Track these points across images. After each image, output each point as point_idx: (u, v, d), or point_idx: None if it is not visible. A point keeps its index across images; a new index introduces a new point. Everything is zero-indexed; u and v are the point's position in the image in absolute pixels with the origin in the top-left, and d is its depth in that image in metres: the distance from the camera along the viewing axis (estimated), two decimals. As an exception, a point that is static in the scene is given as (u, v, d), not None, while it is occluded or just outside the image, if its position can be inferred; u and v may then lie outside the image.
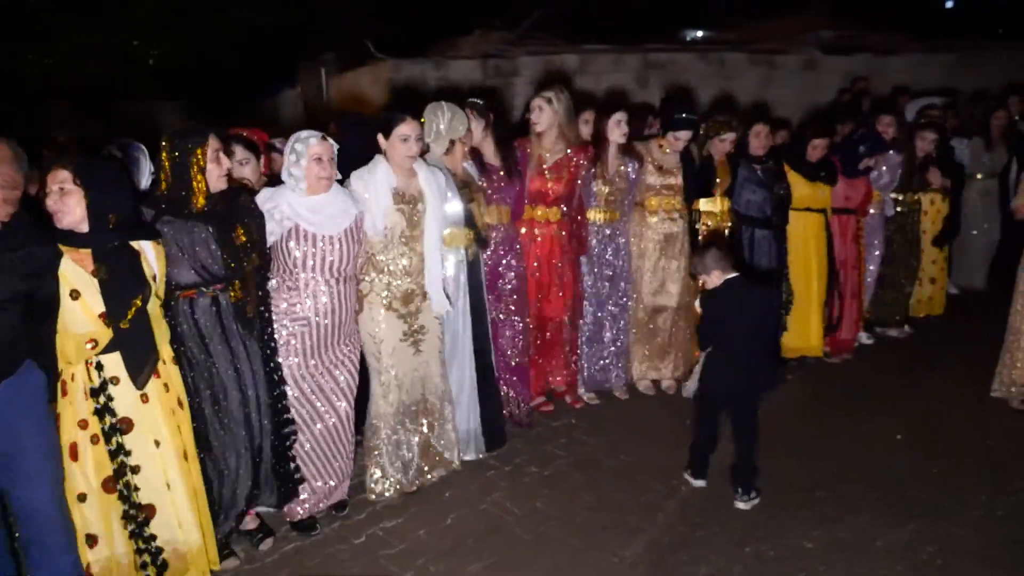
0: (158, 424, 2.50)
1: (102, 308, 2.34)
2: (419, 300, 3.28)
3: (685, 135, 4.13)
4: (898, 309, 5.26)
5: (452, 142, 3.44)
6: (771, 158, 4.49)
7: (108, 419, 2.41)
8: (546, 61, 8.20)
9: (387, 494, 3.32)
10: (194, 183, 2.60)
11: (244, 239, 2.71)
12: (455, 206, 3.41)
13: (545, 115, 3.81)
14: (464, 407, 3.62)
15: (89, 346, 2.36)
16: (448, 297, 3.36)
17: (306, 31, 12.72)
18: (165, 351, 2.56)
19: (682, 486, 3.44)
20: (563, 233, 3.97)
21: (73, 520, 2.44)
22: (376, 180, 3.12)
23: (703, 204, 4.38)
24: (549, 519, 3.21)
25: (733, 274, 3.22)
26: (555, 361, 4.13)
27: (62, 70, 15.47)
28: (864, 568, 2.89)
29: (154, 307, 2.49)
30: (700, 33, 10.62)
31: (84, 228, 2.38)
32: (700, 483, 3.42)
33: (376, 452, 3.32)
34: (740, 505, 3.29)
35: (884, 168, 4.89)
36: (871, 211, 4.95)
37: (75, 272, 2.34)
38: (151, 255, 2.48)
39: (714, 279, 3.23)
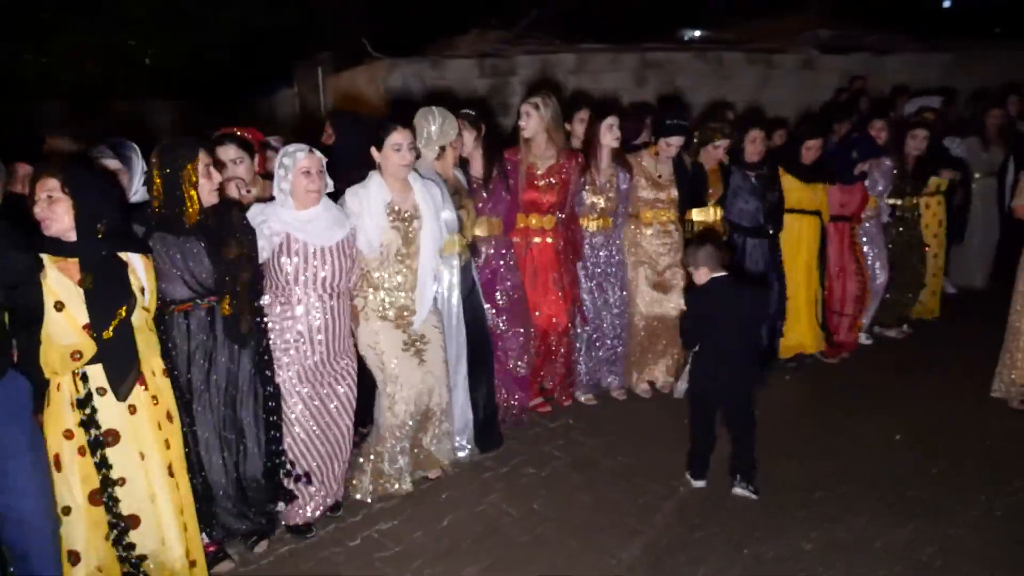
0: (144, 436, 2.46)
1: (86, 319, 2.32)
2: (412, 316, 3.25)
3: (677, 141, 4.11)
4: (899, 311, 5.23)
5: (443, 148, 3.42)
6: (765, 163, 4.45)
7: (93, 431, 2.38)
8: (543, 60, 8.16)
9: (371, 496, 3.30)
10: (186, 198, 2.58)
11: (236, 253, 2.69)
12: (448, 213, 3.38)
13: (533, 121, 3.80)
14: (459, 408, 3.60)
15: (74, 358, 2.33)
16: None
17: (303, 31, 12.69)
18: (155, 364, 2.54)
19: (680, 487, 3.42)
20: (559, 241, 3.96)
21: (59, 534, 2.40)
22: (370, 196, 3.09)
23: (696, 214, 4.35)
24: (546, 520, 3.19)
25: (721, 273, 3.22)
26: (552, 365, 4.10)
27: (59, 69, 15.45)
28: (863, 569, 2.87)
29: (140, 320, 2.45)
30: (698, 33, 10.59)
31: (72, 237, 2.35)
32: (700, 484, 3.41)
33: (377, 459, 3.30)
34: (738, 491, 3.31)
35: (877, 175, 4.87)
36: (869, 217, 4.92)
37: (60, 282, 2.31)
38: (140, 268, 2.45)
39: (701, 275, 3.25)
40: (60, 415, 2.37)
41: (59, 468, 2.39)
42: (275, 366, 2.92)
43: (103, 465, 2.39)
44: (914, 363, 4.83)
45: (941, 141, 5.32)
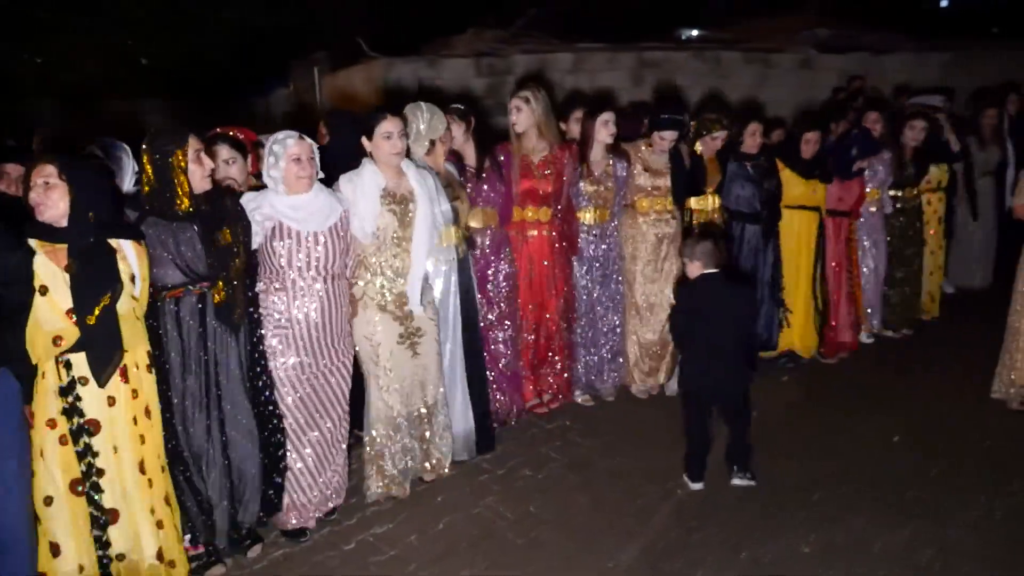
0: (119, 430, 2.45)
1: (70, 305, 2.32)
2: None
3: (670, 135, 4.10)
4: (909, 309, 5.20)
5: (432, 142, 3.41)
6: (763, 156, 4.46)
7: (76, 419, 2.37)
8: (540, 60, 8.15)
9: (380, 496, 3.26)
10: (177, 185, 2.57)
11: (230, 239, 2.68)
12: (444, 205, 3.37)
13: (523, 115, 3.78)
14: (457, 408, 3.57)
15: (56, 343, 2.33)
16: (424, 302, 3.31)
17: (299, 30, 12.66)
18: (140, 356, 2.51)
19: (678, 488, 3.39)
20: (554, 234, 3.94)
21: (36, 530, 2.39)
22: (364, 182, 3.09)
23: (694, 203, 4.34)
24: (543, 523, 3.16)
25: (713, 270, 3.22)
26: (548, 363, 4.07)
27: (57, 69, 15.42)
28: (862, 571, 2.84)
29: (127, 308, 2.44)
30: (696, 32, 10.57)
31: (63, 223, 2.36)
32: (698, 486, 3.38)
33: (376, 458, 3.26)
34: (737, 481, 3.32)
35: (878, 164, 4.85)
36: (871, 210, 4.91)
37: (46, 267, 2.32)
38: (131, 255, 2.44)
39: (693, 269, 3.26)
40: (45, 404, 2.37)
41: (42, 458, 2.38)
42: (269, 355, 2.90)
43: (87, 453, 2.38)
44: (913, 363, 4.80)
45: (940, 135, 5.29)
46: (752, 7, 11.27)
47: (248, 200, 2.88)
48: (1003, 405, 4.11)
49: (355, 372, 3.22)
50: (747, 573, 2.85)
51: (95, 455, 2.39)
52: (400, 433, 3.27)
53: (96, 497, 2.41)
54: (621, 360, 4.32)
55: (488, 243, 3.76)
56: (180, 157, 2.56)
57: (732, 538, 3.04)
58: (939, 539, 3.01)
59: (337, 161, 3.19)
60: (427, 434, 3.38)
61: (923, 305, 5.38)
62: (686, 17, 11.13)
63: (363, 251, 3.14)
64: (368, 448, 3.29)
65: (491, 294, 3.78)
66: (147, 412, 2.53)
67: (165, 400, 2.63)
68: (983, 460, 3.61)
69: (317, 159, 2.96)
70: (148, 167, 2.59)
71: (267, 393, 2.88)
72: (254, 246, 2.86)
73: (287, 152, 2.85)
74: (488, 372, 3.78)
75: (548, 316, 3.97)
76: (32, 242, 2.33)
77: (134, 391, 2.48)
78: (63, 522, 2.40)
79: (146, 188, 2.61)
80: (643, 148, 4.21)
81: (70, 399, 2.36)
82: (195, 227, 2.61)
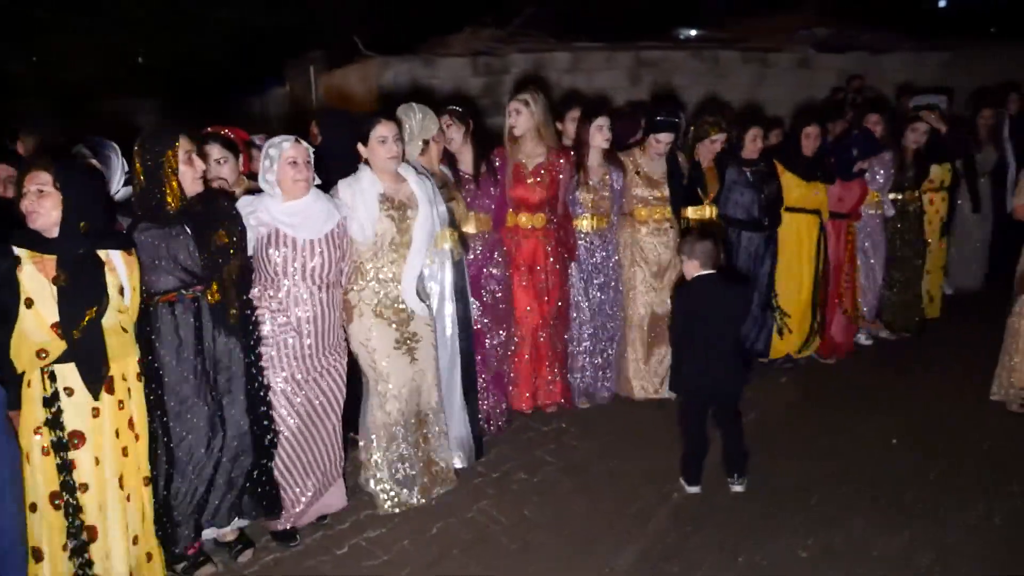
0: (102, 442, 2.41)
1: (55, 318, 2.28)
2: (409, 308, 3.19)
3: (666, 137, 4.05)
4: (909, 311, 5.16)
5: (426, 142, 3.37)
6: (763, 160, 4.41)
7: (57, 432, 2.33)
8: (537, 59, 8.10)
9: (392, 510, 3.21)
10: (167, 187, 2.53)
11: (225, 241, 2.64)
12: (440, 207, 3.33)
13: (523, 118, 3.74)
14: (455, 414, 3.53)
15: (39, 356, 2.29)
16: (424, 300, 3.27)
17: (297, 30, 12.63)
18: (129, 367, 2.48)
19: (674, 492, 3.36)
20: (549, 240, 3.90)
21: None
22: (363, 188, 3.05)
23: (691, 212, 4.29)
24: (538, 528, 3.13)
25: (709, 271, 3.20)
26: (543, 370, 4.03)
27: (55, 68, 15.39)
28: (861, 575, 2.81)
29: (113, 320, 2.39)
30: (694, 32, 10.53)
31: (54, 233, 2.32)
32: (695, 489, 3.35)
33: (375, 466, 3.22)
34: (737, 488, 3.31)
35: (878, 166, 4.82)
36: (870, 212, 4.88)
37: (33, 279, 2.27)
38: (120, 266, 2.40)
39: (691, 268, 3.24)
40: (31, 412, 2.34)
41: (29, 463, 2.35)
42: (263, 361, 2.86)
43: (64, 468, 2.34)
44: (912, 364, 4.78)
45: (940, 135, 5.27)
46: (750, 6, 11.24)
47: (244, 205, 2.84)
48: (1002, 406, 4.09)
49: (353, 376, 3.19)
50: (744, 578, 2.82)
51: (72, 471, 2.35)
52: (397, 441, 3.23)
53: (77, 515, 2.36)
54: (616, 368, 4.28)
55: (481, 248, 3.72)
56: (170, 158, 2.52)
57: (729, 542, 3.01)
58: (938, 542, 2.98)
59: (330, 161, 3.15)
60: (424, 441, 3.32)
61: (924, 306, 5.35)
62: (684, 17, 11.10)
63: (359, 256, 3.10)
64: (366, 458, 3.24)
65: (484, 298, 3.74)
66: (131, 424, 2.49)
67: (158, 404, 2.60)
68: (982, 462, 3.58)
69: (313, 163, 2.92)
70: (139, 168, 2.55)
71: (262, 392, 2.84)
72: (249, 252, 2.82)
73: (283, 155, 2.81)
74: (480, 377, 3.75)
75: (543, 322, 3.93)
76: (20, 252, 2.28)
77: (119, 402, 2.44)
78: (44, 531, 2.37)
79: (137, 189, 2.57)
80: (638, 156, 4.15)
81: (53, 410, 2.32)
82: (188, 229, 2.57)
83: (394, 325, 3.16)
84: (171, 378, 2.61)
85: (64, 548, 2.37)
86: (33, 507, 2.36)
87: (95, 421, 2.38)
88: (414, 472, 3.27)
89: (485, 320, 3.76)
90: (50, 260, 2.29)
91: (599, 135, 3.92)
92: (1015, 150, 5.89)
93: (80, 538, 2.37)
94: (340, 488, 3.20)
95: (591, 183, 3.99)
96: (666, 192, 4.13)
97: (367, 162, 3.11)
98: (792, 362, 4.72)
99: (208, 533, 2.87)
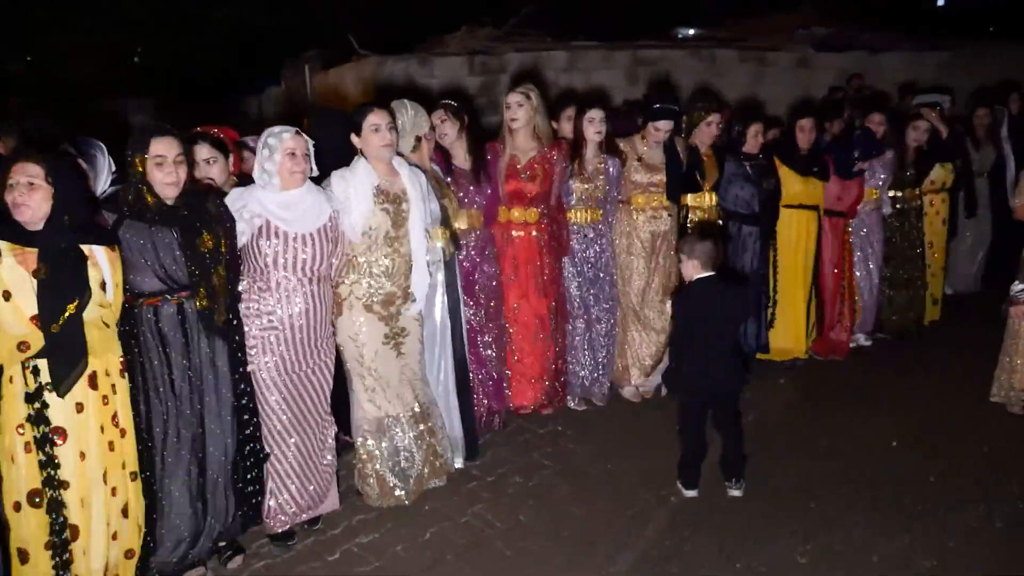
0: (87, 437, 2.38)
1: (34, 311, 2.25)
2: (400, 303, 3.17)
3: (665, 125, 4.01)
4: (910, 308, 5.13)
5: (418, 139, 3.34)
6: (762, 155, 4.40)
7: (41, 427, 2.30)
8: (534, 58, 8.08)
9: (380, 502, 3.19)
10: (144, 188, 2.51)
11: (211, 245, 2.60)
12: (432, 204, 3.31)
13: (524, 111, 3.72)
14: (449, 413, 3.50)
15: (21, 349, 2.26)
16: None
17: (295, 29, 12.60)
18: (112, 362, 2.44)
19: (671, 496, 3.32)
20: (542, 235, 3.86)
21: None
22: (358, 179, 3.02)
23: (690, 200, 4.27)
24: (533, 532, 3.08)
25: (709, 273, 3.18)
26: (540, 367, 3.98)
27: (48, 67, 15.37)
28: (860, 582, 2.78)
29: (95, 315, 2.36)
30: (692, 31, 10.51)
31: (37, 226, 2.30)
32: (692, 493, 3.32)
33: (368, 460, 3.19)
34: (735, 493, 3.27)
35: (877, 165, 4.79)
36: (869, 210, 4.85)
37: (13, 272, 2.25)
38: (103, 261, 2.37)
39: (690, 268, 3.21)
40: (14, 409, 2.30)
41: (12, 463, 2.32)
42: (250, 356, 2.83)
43: (49, 464, 2.31)
44: (912, 365, 4.75)
45: (941, 135, 5.23)
46: (749, 6, 11.23)
47: (235, 197, 2.80)
48: (1002, 408, 4.05)
49: (340, 376, 3.15)
50: (742, 584, 2.78)
51: (57, 467, 2.32)
52: (388, 434, 3.20)
53: (60, 512, 2.33)
54: (613, 364, 4.24)
55: (473, 244, 3.69)
56: (139, 163, 2.50)
57: (727, 546, 2.97)
58: (939, 545, 2.94)
59: (322, 160, 3.11)
60: (425, 433, 3.29)
61: (924, 307, 5.31)
62: (682, 16, 11.08)
63: (352, 250, 3.07)
64: (359, 451, 3.21)
65: (477, 296, 3.71)
66: (115, 419, 2.45)
67: (138, 406, 2.56)
68: (983, 464, 3.55)
69: (312, 156, 2.90)
70: (127, 167, 2.54)
71: (246, 398, 2.80)
72: (240, 244, 2.79)
73: (283, 146, 2.78)
74: (473, 375, 3.72)
75: (538, 320, 3.90)
76: (0, 244, 2.26)
77: (104, 397, 2.40)
78: (29, 531, 2.34)
79: (123, 190, 2.55)
80: (638, 143, 4.14)
81: (37, 405, 2.29)
82: (174, 232, 2.53)
83: (384, 320, 3.13)
84: (153, 382, 2.58)
85: (47, 547, 2.34)
86: (17, 506, 2.33)
87: (79, 417, 2.35)
88: (412, 463, 3.24)
89: (478, 318, 3.72)
90: (31, 253, 2.27)
91: (590, 127, 3.89)
92: (1014, 150, 5.85)
93: (62, 536, 2.34)
94: (333, 488, 3.15)
95: (586, 173, 3.95)
96: (664, 178, 4.10)
97: (362, 153, 3.07)
98: (791, 362, 4.68)
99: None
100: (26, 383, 2.29)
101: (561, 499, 3.32)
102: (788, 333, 4.62)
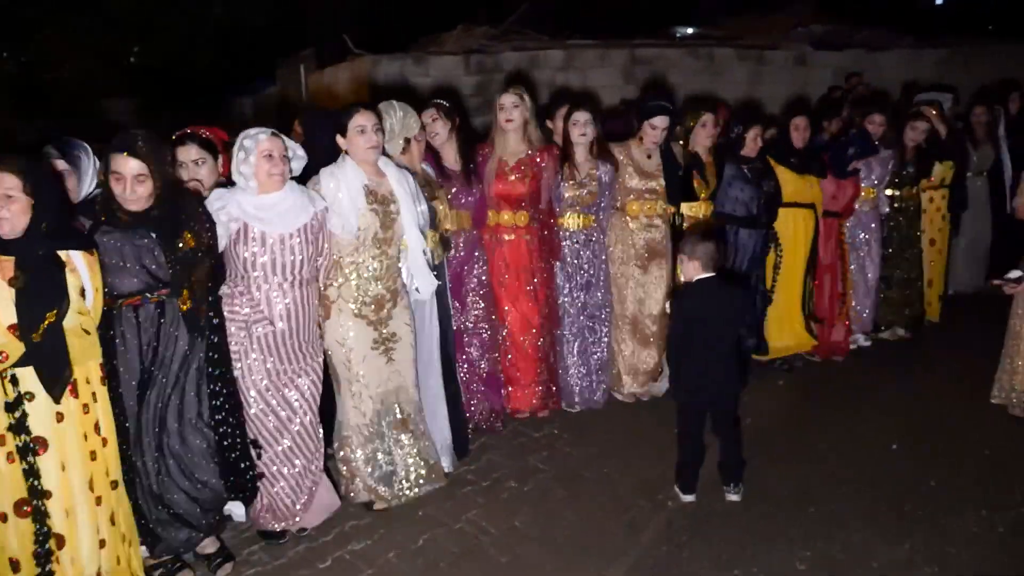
0: (68, 447, 2.33)
1: (12, 320, 2.20)
2: (390, 306, 3.12)
3: (661, 122, 3.93)
4: (909, 307, 5.09)
5: (408, 141, 3.29)
6: (759, 158, 4.35)
7: (23, 436, 2.25)
8: (531, 57, 8.03)
9: (368, 506, 3.17)
10: (113, 199, 2.47)
11: (192, 245, 2.55)
12: (422, 205, 3.25)
13: (518, 112, 3.67)
14: (437, 417, 3.45)
15: (0, 358, 2.21)
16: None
17: (288, 28, 12.55)
18: (92, 369, 2.40)
19: (668, 501, 3.28)
20: (532, 238, 3.81)
21: None
22: (347, 177, 2.97)
23: (685, 208, 4.21)
24: (528, 539, 3.04)
25: (709, 274, 3.13)
26: (532, 373, 3.93)
27: (42, 67, 15.31)
28: (860, 590, 2.74)
29: (74, 322, 2.31)
30: (690, 30, 10.46)
31: (14, 235, 2.24)
32: (689, 498, 3.27)
33: (352, 464, 3.15)
34: (733, 498, 3.24)
35: (874, 163, 4.75)
36: (867, 209, 4.81)
37: None
38: (82, 267, 2.32)
39: (690, 268, 3.17)
40: None
41: None
42: (233, 358, 2.79)
43: (31, 474, 2.26)
44: (912, 366, 4.70)
45: (940, 140, 5.18)
46: (746, 4, 11.17)
47: (214, 199, 2.75)
48: (1003, 410, 4.01)
49: (328, 382, 3.11)
50: (740, 592, 2.74)
51: (39, 476, 2.27)
52: (372, 441, 3.15)
53: (44, 522, 2.29)
54: (608, 371, 4.19)
55: (462, 246, 3.64)
56: (103, 175, 2.46)
57: (724, 554, 2.92)
58: (940, 552, 2.90)
59: (313, 160, 3.07)
60: (405, 441, 3.23)
61: (925, 307, 5.28)
62: (680, 14, 11.03)
63: (340, 251, 3.01)
64: (342, 457, 3.17)
65: (465, 299, 3.66)
66: (97, 428, 2.41)
67: (120, 410, 2.53)
68: (984, 468, 3.50)
69: (295, 154, 2.85)
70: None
71: (229, 400, 2.76)
72: (220, 247, 2.74)
73: (258, 147, 2.72)
74: (464, 377, 3.68)
75: (529, 323, 3.85)
76: None
77: (84, 406, 2.36)
78: (15, 541, 2.30)
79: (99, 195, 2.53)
80: (633, 148, 4.07)
81: (16, 415, 2.25)
82: (153, 234, 2.49)
83: (372, 325, 3.08)
84: (133, 382, 2.54)
85: (33, 556, 2.30)
86: (4, 517, 2.28)
87: (59, 426, 2.30)
88: (392, 468, 3.20)
89: (469, 320, 3.68)
90: (8, 261, 2.22)
91: (575, 130, 3.82)
92: (1012, 150, 5.80)
93: (46, 546, 2.30)
94: (324, 491, 3.10)
95: (577, 178, 3.89)
96: (661, 184, 4.04)
97: (347, 154, 3.03)
98: (789, 363, 4.64)
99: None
100: (5, 393, 2.24)
101: (556, 504, 3.27)
102: (788, 331, 4.58)
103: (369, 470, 3.15)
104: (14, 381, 2.24)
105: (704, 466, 3.29)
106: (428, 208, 3.28)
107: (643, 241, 4.08)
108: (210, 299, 2.67)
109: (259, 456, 2.89)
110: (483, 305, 3.73)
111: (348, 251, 3.02)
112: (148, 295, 2.51)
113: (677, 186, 4.09)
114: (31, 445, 2.26)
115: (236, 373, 2.80)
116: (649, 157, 4.05)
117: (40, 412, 2.27)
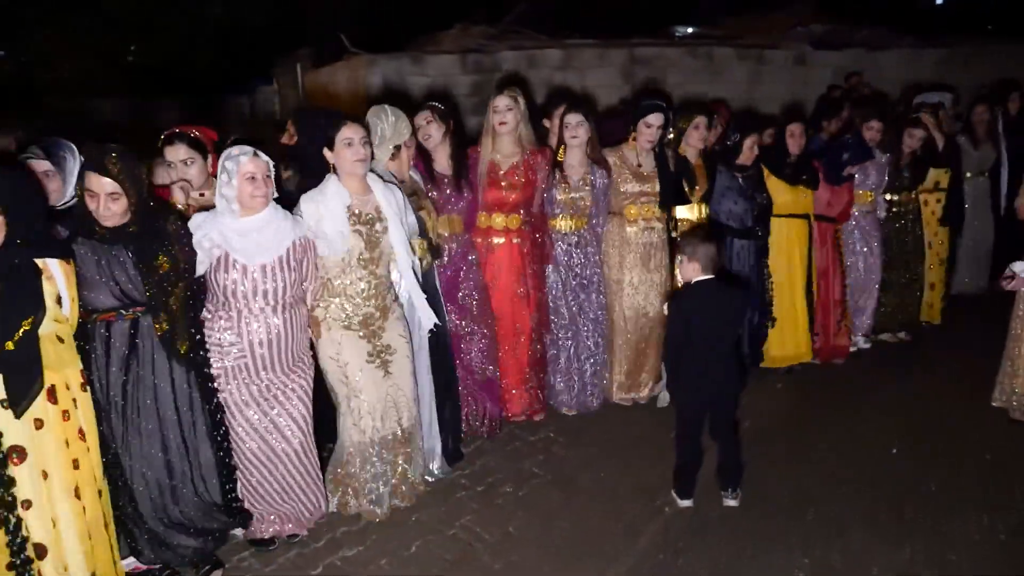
0: (48, 455, 2.27)
1: None
2: (380, 321, 3.06)
3: (656, 119, 3.87)
4: (903, 313, 5.05)
5: (398, 147, 3.22)
6: (754, 166, 4.29)
7: None
8: (528, 56, 7.98)
9: (358, 517, 3.12)
10: (90, 212, 2.44)
11: (167, 268, 2.52)
12: (410, 217, 3.19)
13: (512, 115, 3.61)
14: (426, 424, 3.39)
15: None
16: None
17: (286, 28, 12.52)
18: (71, 376, 2.35)
19: (665, 506, 3.23)
20: (524, 241, 3.76)
21: None
22: (327, 200, 2.89)
23: (680, 212, 4.16)
24: (523, 545, 2.99)
25: (708, 276, 3.09)
26: (522, 377, 3.88)
27: (39, 67, 15.28)
28: (860, 597, 2.70)
29: (51, 331, 2.27)
30: (690, 29, 10.41)
31: None
32: (687, 503, 3.23)
33: (349, 482, 3.09)
34: (731, 503, 3.19)
35: (870, 167, 4.71)
36: (864, 213, 4.77)
37: None
38: (58, 275, 2.28)
39: (689, 269, 3.13)
40: None
41: None
42: (216, 382, 2.75)
43: (2, 484, 2.19)
44: (911, 369, 4.67)
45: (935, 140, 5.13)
46: (746, 3, 11.12)
47: (196, 225, 2.69)
48: (1004, 413, 3.96)
49: (321, 384, 3.05)
50: (737, 599, 2.70)
51: (10, 486, 2.20)
52: (372, 461, 3.08)
53: (18, 533, 2.22)
54: (605, 374, 4.14)
55: (456, 250, 3.59)
56: (80, 189, 2.43)
57: (722, 560, 2.88)
58: (940, 558, 2.86)
59: (306, 161, 3.02)
60: (401, 458, 3.17)
61: (930, 310, 5.23)
62: (679, 14, 10.98)
63: (327, 273, 2.96)
64: (339, 473, 3.12)
65: (460, 303, 3.61)
66: (81, 434, 2.36)
67: (99, 420, 2.49)
68: (984, 472, 3.47)
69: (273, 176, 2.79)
70: None
71: (219, 417, 2.75)
72: (199, 272, 2.70)
73: (240, 170, 2.65)
74: (461, 382, 3.63)
75: (522, 327, 3.80)
76: None
77: (64, 412, 2.31)
78: None
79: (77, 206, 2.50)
80: (626, 151, 4.01)
81: None
82: (128, 251, 2.46)
83: (365, 338, 3.02)
84: (106, 396, 2.52)
85: (10, 568, 2.23)
86: None
87: (37, 433, 2.24)
88: (386, 490, 3.14)
89: (462, 324, 3.63)
90: None
91: (566, 132, 3.78)
92: (1011, 150, 5.76)
93: (23, 555, 2.23)
94: (313, 499, 3.04)
95: (570, 182, 3.84)
96: (656, 188, 3.99)
97: (334, 169, 2.95)
98: (789, 369, 4.60)
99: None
100: None
101: (552, 509, 3.23)
102: (789, 340, 4.52)
103: (366, 490, 3.09)
104: None
105: (702, 471, 3.25)
106: (416, 219, 3.22)
107: (642, 245, 4.02)
108: (192, 319, 2.64)
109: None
110: (478, 309, 3.67)
111: (335, 272, 2.97)
112: (123, 312, 2.48)
113: (670, 187, 4.04)
114: (3, 455, 2.19)
115: (221, 397, 2.77)
116: (643, 161, 4.00)
117: (17, 420, 2.21)
